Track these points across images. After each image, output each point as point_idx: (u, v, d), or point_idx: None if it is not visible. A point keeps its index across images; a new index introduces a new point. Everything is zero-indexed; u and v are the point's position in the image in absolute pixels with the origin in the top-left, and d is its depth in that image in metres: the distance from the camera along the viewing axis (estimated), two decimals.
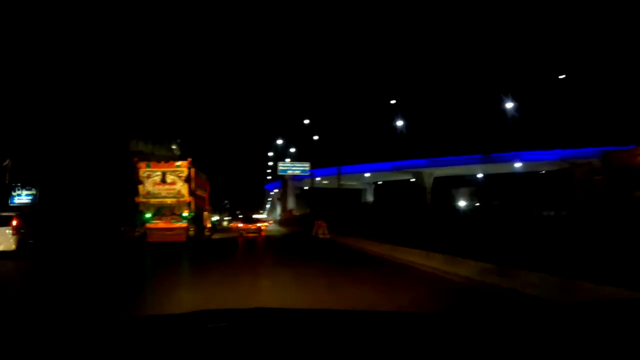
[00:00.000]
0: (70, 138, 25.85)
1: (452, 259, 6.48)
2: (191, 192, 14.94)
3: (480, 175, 41.42)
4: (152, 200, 14.69)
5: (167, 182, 14.76)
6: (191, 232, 15.04)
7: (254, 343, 1.24)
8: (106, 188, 25.61)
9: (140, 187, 14.73)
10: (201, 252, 12.71)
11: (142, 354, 1.19)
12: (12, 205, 18.92)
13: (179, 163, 15.05)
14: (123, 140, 34.11)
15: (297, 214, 49.16)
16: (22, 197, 20.21)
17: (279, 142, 51.95)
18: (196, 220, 15.82)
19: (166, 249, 12.28)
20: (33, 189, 20.45)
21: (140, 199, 14.69)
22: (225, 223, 39.97)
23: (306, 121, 46.09)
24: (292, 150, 53.12)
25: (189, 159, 15.17)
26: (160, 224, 14.62)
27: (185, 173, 14.85)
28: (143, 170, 14.81)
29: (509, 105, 34.45)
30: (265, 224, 34.32)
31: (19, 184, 20.51)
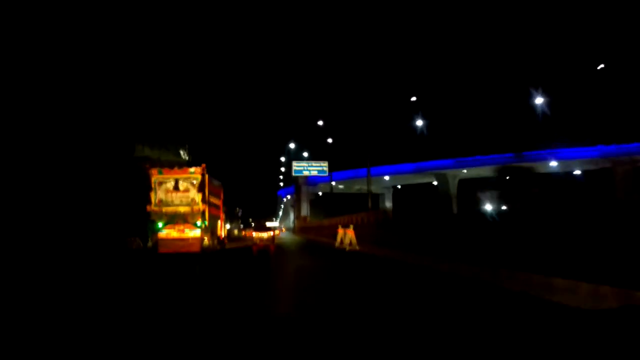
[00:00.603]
0: (71, 142, 26.22)
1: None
2: (205, 200, 14.99)
3: (507, 177, 40.50)
4: (165, 209, 14.77)
5: (180, 189, 14.82)
6: (205, 243, 15.07)
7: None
8: (110, 196, 25.96)
9: (152, 194, 14.83)
10: (217, 267, 12.31)
11: None
12: None
13: (192, 169, 15.10)
14: (128, 145, 34.60)
15: (311, 221, 49.04)
16: None
17: (292, 145, 52.04)
18: (210, 229, 15.86)
19: (179, 264, 11.97)
20: None
21: (152, 208, 14.78)
22: (236, 232, 40.07)
23: (320, 122, 46.20)
24: (306, 154, 53.24)
25: (203, 165, 15.22)
26: (172, 233, 14.66)
27: (199, 180, 14.90)
28: (155, 177, 14.91)
29: (540, 99, 33.15)
30: (277, 231, 40.24)
31: None
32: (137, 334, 3.87)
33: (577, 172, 42.46)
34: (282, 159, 68.84)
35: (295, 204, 58.93)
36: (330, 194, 64.45)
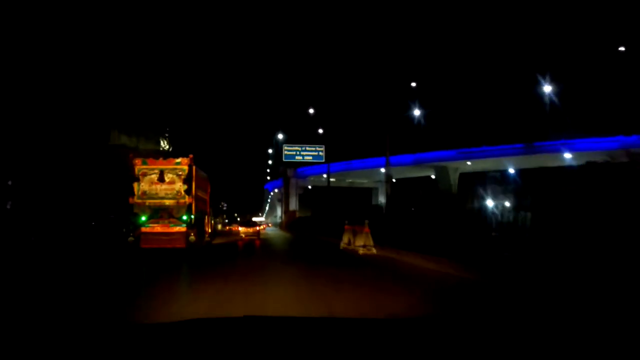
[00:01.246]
0: (37, 128, 25.94)
1: None
2: (192, 193, 15.14)
3: (512, 171, 39.35)
4: (148, 202, 14.89)
5: (165, 181, 14.95)
6: (191, 238, 15.23)
7: (243, 352, 1.46)
8: (81, 185, 25.91)
9: (135, 186, 14.94)
10: (204, 263, 12.60)
11: None
12: None
13: (179, 160, 15.21)
14: (101, 132, 34.21)
15: (301, 216, 49.39)
16: None
17: (280, 136, 52.13)
18: (197, 224, 16.02)
19: (162, 260, 12.15)
20: None
21: (135, 200, 14.89)
22: (219, 226, 40.25)
23: (311, 110, 46.32)
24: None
25: (190, 155, 15.34)
26: (156, 227, 14.79)
27: (185, 171, 15.03)
28: (138, 168, 15.00)
29: (551, 87, 30.64)
30: (262, 226, 45.18)
31: None
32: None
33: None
34: (270, 150, 69.16)
35: (283, 198, 59.14)
36: (327, 187, 64.48)
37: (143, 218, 14.78)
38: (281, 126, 55.03)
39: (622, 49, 29.88)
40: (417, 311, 5.13)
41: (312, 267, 10.46)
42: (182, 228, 14.87)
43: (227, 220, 57.11)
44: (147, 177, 14.99)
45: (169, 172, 15.04)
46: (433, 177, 49.82)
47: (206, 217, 19.37)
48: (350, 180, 57.24)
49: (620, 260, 5.98)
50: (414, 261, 10.70)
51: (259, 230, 28.29)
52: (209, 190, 19.92)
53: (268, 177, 76.52)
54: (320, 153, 32.30)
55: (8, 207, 20.52)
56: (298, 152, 32.50)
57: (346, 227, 15.20)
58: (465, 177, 45.43)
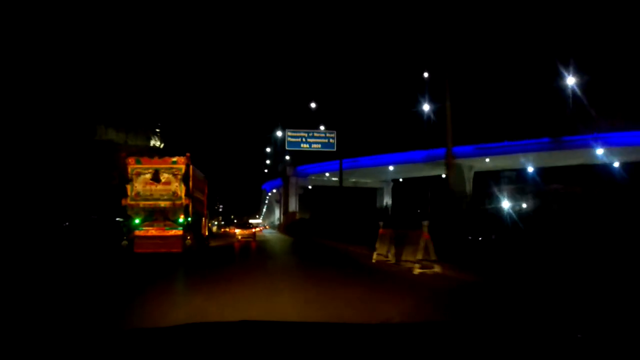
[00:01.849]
0: (13, 119, 25.89)
1: None
2: (189, 194, 15.25)
3: (531, 170, 37.97)
4: (143, 203, 14.99)
5: (160, 181, 15.06)
6: (188, 242, 15.37)
7: (240, 357, 1.55)
8: (63, 183, 25.95)
9: (129, 186, 15.04)
10: (201, 269, 12.57)
11: None
12: None
13: (175, 159, 15.31)
14: (87, 126, 34.16)
15: (300, 217, 49.50)
16: None
17: (279, 133, 52.22)
18: (194, 227, 16.17)
19: (155, 266, 12.21)
20: None
21: (129, 202, 15.00)
22: (215, 229, 40.66)
23: (313, 105, 46.37)
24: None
25: (187, 154, 15.44)
26: (151, 231, 14.91)
27: (182, 171, 15.12)
28: (132, 167, 15.10)
29: (574, 79, 29.28)
30: (259, 229, 49.06)
31: None
32: None
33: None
34: (268, 149, 69.28)
35: (282, 199, 59.28)
36: (319, 189, 64.80)
37: (137, 221, 14.88)
38: (281, 121, 54.94)
39: None
40: None
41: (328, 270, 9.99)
42: (179, 231, 14.97)
43: (223, 222, 57.83)
44: (141, 177, 15.08)
45: (164, 172, 15.14)
46: (444, 175, 49.72)
47: (203, 219, 19.50)
48: (354, 180, 57.31)
49: None
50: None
51: (254, 233, 30.87)
52: (206, 191, 20.04)
53: (266, 176, 76.45)
54: (331, 140, 27.85)
55: None
56: (304, 139, 28.15)
57: (382, 231, 12.08)
58: (477, 176, 44.93)
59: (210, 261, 14.90)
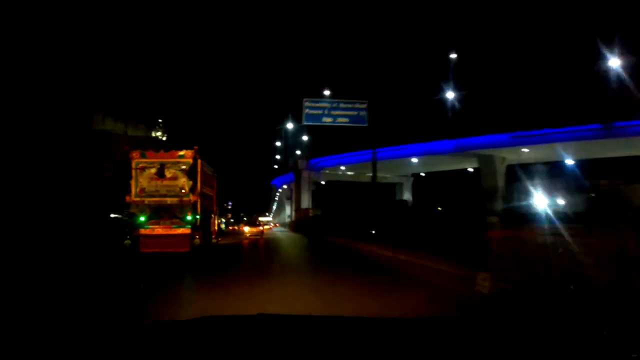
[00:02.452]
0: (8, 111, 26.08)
1: None
2: (197, 190, 15.42)
3: (571, 162, 35.75)
4: (148, 200, 15.20)
5: (166, 176, 15.24)
6: (197, 241, 15.52)
7: (256, 350, 1.68)
8: (55, 178, 26.18)
9: (133, 182, 15.24)
10: (212, 271, 12.39)
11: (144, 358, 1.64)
12: None
13: (182, 152, 15.48)
14: (83, 116, 34.36)
15: (314, 214, 49.54)
16: None
17: (289, 125, 52.10)
18: (202, 225, 16.32)
19: (161, 267, 12.34)
20: None
21: (133, 198, 15.20)
22: (223, 226, 41.28)
23: (327, 92, 46.13)
24: (305, 137, 53.41)
25: (195, 147, 15.60)
26: (157, 229, 15.11)
27: (189, 165, 15.32)
28: (136, 161, 15.30)
29: (623, 60, 26.10)
30: (269, 226, 56.13)
31: None
32: None
33: None
34: (278, 143, 69.40)
35: (294, 194, 59.43)
36: (333, 185, 64.59)
37: (142, 218, 15.09)
38: (291, 112, 54.79)
39: None
40: None
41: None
42: (186, 230, 15.16)
43: (232, 220, 59.73)
44: (146, 172, 15.28)
45: (170, 167, 15.31)
46: (471, 169, 48.65)
47: (213, 216, 19.67)
48: (370, 175, 57.22)
49: None
50: None
51: (262, 230, 33.62)
52: (215, 187, 20.21)
53: (276, 172, 76.76)
54: (362, 113, 23.21)
55: None
56: (326, 111, 23.39)
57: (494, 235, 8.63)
58: (511, 169, 42.94)
59: (219, 262, 14.97)
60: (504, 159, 40.27)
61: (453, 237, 11.04)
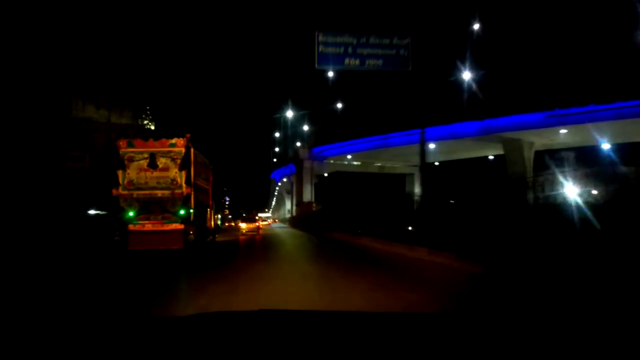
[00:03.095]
0: None
1: None
2: (190, 182, 15.47)
3: (607, 147, 33.95)
4: (137, 193, 15.26)
5: (157, 167, 15.29)
6: (190, 237, 15.62)
7: (258, 346, 1.79)
8: (26, 169, 26.11)
9: (120, 174, 15.29)
10: (206, 271, 12.15)
11: (145, 355, 1.75)
12: None
13: (173, 141, 15.49)
14: (60, 101, 34.15)
15: (317, 209, 49.61)
16: None
17: (289, 114, 52.01)
18: (197, 220, 16.40)
19: (149, 266, 12.37)
20: None
21: (120, 191, 15.26)
22: (219, 222, 42.02)
23: (330, 74, 45.95)
24: (306, 127, 53.37)
25: (187, 135, 15.61)
26: (147, 225, 15.20)
27: (182, 155, 15.33)
28: (123, 151, 15.34)
29: None
30: (266, 222, 61.23)
31: None
32: None
33: None
34: (277, 134, 69.41)
35: (295, 187, 59.44)
36: (337, 176, 64.47)
37: (131, 213, 15.17)
38: (290, 94, 54.73)
39: None
40: None
41: None
42: (179, 225, 15.24)
43: (230, 216, 60.96)
44: (135, 163, 15.32)
45: (161, 156, 15.36)
46: (491, 157, 47.91)
47: (209, 210, 19.77)
48: (379, 164, 57.17)
49: None
50: None
51: (258, 226, 36.59)
52: (211, 179, 20.32)
53: (275, 166, 77.08)
54: (402, 52, 18.33)
55: None
56: (350, 50, 18.18)
57: None
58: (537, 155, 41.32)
59: (216, 261, 14.98)
60: (532, 143, 38.22)
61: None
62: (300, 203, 54.74)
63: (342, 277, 9.86)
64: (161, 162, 15.34)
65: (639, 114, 30.73)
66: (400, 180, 61.78)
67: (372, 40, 18.33)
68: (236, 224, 48.44)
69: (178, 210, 15.28)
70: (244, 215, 48.82)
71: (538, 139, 38.04)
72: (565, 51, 33.06)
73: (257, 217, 43.30)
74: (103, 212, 25.19)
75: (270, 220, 78.15)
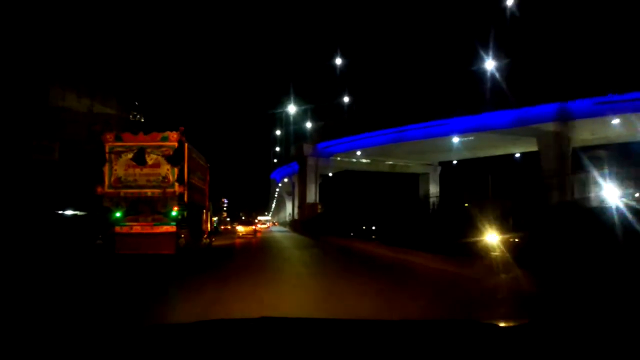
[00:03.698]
0: None
1: None
2: (183, 180, 15.38)
3: None
4: (124, 192, 15.19)
5: (147, 163, 15.21)
6: (182, 241, 15.52)
7: (260, 355, 1.92)
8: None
9: (106, 170, 15.21)
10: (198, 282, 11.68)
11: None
12: None
13: (165, 134, 15.41)
14: (36, 88, 33.89)
15: (321, 211, 49.45)
16: None
17: (291, 109, 51.85)
18: (190, 222, 16.31)
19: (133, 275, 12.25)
20: None
21: (106, 190, 15.18)
22: (214, 224, 42.57)
23: (338, 61, 45.79)
24: (309, 124, 53.30)
25: (181, 128, 15.54)
26: (135, 227, 15.11)
27: (174, 150, 15.26)
28: (110, 145, 15.27)
29: None
30: (266, 225, 65.53)
31: None
32: None
33: None
34: (278, 132, 69.43)
35: (298, 187, 59.24)
36: (344, 175, 64.14)
37: (117, 214, 15.08)
38: (292, 87, 54.50)
39: None
40: None
41: None
42: (170, 227, 15.14)
43: (228, 219, 63.75)
44: (122, 159, 15.26)
45: (152, 152, 15.27)
46: (518, 155, 46.69)
47: (204, 212, 19.70)
48: (390, 163, 56.96)
49: None
50: None
51: (255, 229, 41.10)
52: (207, 179, 20.27)
53: (275, 166, 77.31)
54: None
55: None
56: None
57: None
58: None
59: (211, 269, 14.73)
60: (569, 138, 35.48)
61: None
62: (302, 205, 54.61)
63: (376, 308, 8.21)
64: (152, 157, 15.26)
65: None
66: (413, 180, 61.64)
67: None
68: (233, 227, 52.08)
69: (170, 211, 15.20)
70: (243, 218, 55.16)
71: (578, 133, 35.36)
72: (618, 27, 30.19)
73: (256, 221, 48.45)
74: (82, 213, 25.00)
75: (269, 224, 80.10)
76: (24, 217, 21.57)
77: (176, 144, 15.32)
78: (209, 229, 21.37)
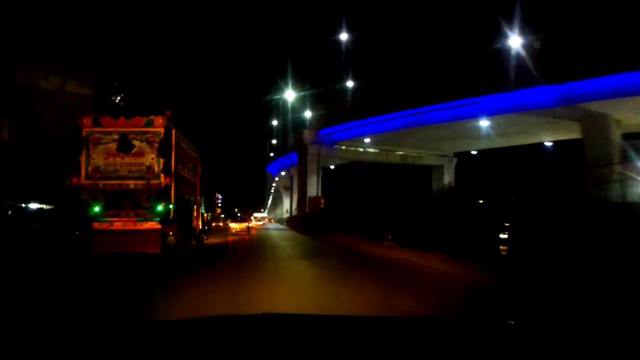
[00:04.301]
0: None
1: None
2: (170, 170, 15.13)
3: None
4: (103, 183, 14.96)
5: (129, 151, 14.97)
6: (170, 239, 15.30)
7: (261, 350, 2.11)
8: None
9: (83, 159, 14.96)
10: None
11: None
12: None
13: (150, 118, 15.14)
14: None
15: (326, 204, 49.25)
16: None
17: (289, 96, 51.44)
18: (179, 218, 16.08)
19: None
20: None
21: (83, 181, 14.93)
22: (207, 220, 43.07)
23: (344, 36, 45.34)
24: (309, 114, 53.07)
25: (167, 112, 15.30)
26: (116, 223, 14.90)
27: (160, 136, 15.02)
28: (87, 131, 15.00)
29: None
30: (259, 223, 70.11)
31: None
32: None
33: None
34: (275, 122, 69.44)
35: (297, 180, 58.98)
36: (349, 167, 63.97)
37: (96, 208, 14.85)
38: (291, 70, 53.98)
39: None
40: None
41: None
42: (156, 224, 14.95)
43: (222, 216, 66.83)
44: (102, 146, 15.00)
45: (135, 138, 15.01)
46: (549, 143, 43.85)
47: (195, 208, 19.50)
48: (401, 153, 56.53)
49: None
50: None
51: (248, 227, 44.68)
52: (199, 171, 20.09)
53: (271, 160, 77.66)
54: None
55: None
56: None
57: None
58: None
59: (201, 270, 14.69)
60: (619, 122, 32.48)
61: None
62: (302, 199, 54.25)
63: None
64: (135, 145, 15.00)
65: None
66: (426, 173, 61.43)
67: None
68: (225, 224, 55.72)
69: (155, 206, 14.98)
70: (239, 215, 57.19)
71: (632, 115, 32.10)
72: None
73: (251, 218, 52.76)
74: (49, 207, 24.64)
75: (265, 221, 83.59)
76: None
77: (162, 130, 15.04)
78: (200, 226, 21.18)
